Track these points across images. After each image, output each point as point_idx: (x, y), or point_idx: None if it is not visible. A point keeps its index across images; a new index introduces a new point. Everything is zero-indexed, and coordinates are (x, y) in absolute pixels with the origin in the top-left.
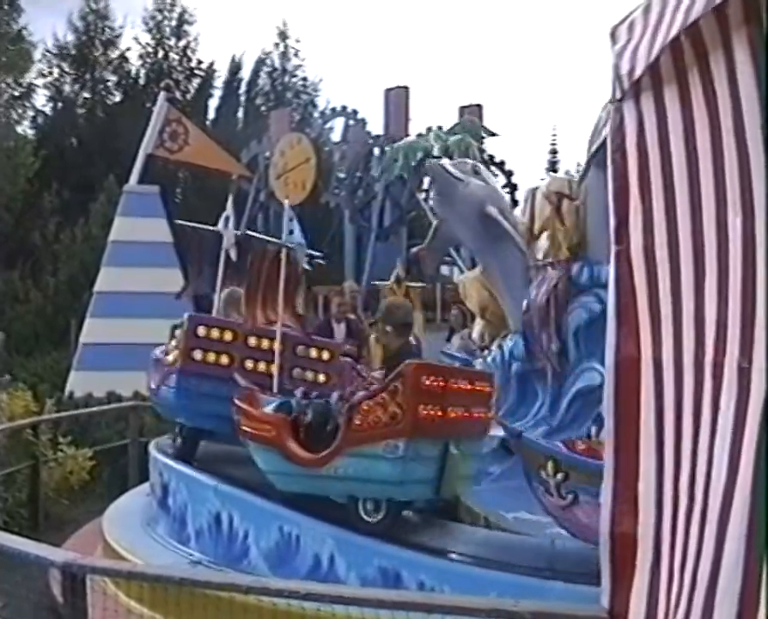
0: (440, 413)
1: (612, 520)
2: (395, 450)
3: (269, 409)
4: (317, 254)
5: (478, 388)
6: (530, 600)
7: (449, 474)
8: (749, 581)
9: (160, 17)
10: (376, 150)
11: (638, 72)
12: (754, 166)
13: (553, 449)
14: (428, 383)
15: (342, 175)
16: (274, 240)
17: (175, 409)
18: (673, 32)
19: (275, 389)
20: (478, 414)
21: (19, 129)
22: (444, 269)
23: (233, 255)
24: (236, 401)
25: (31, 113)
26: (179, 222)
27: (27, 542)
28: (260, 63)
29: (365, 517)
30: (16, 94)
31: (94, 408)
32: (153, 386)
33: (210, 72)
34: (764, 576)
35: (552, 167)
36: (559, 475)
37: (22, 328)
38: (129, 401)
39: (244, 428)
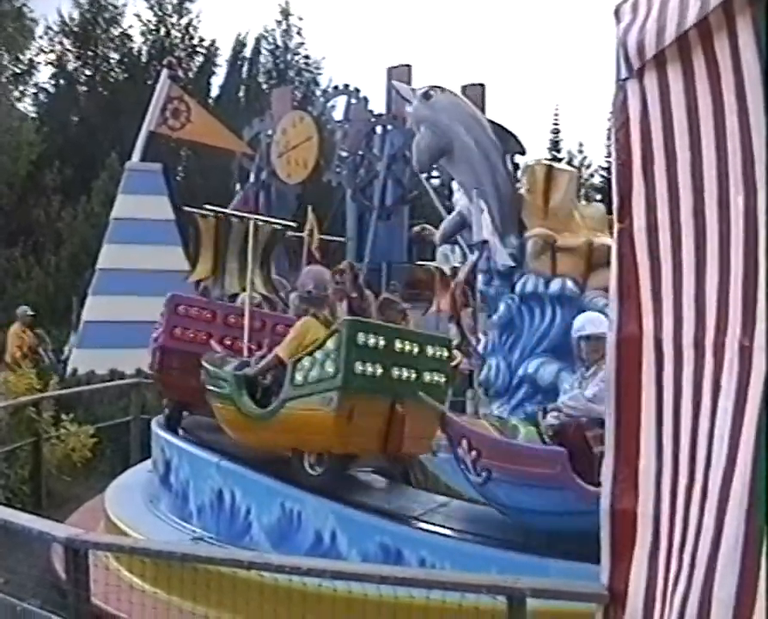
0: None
1: (612, 497)
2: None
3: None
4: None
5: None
6: (531, 577)
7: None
8: (748, 560)
9: None
10: (378, 129)
11: (648, 53)
12: (756, 145)
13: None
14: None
15: (344, 154)
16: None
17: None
18: (691, 15)
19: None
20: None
21: (21, 106)
22: (446, 248)
23: None
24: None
25: (33, 90)
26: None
27: (31, 517)
28: (263, 41)
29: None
30: (18, 71)
31: (97, 385)
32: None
33: (213, 50)
34: (763, 554)
35: (554, 146)
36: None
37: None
38: (131, 378)
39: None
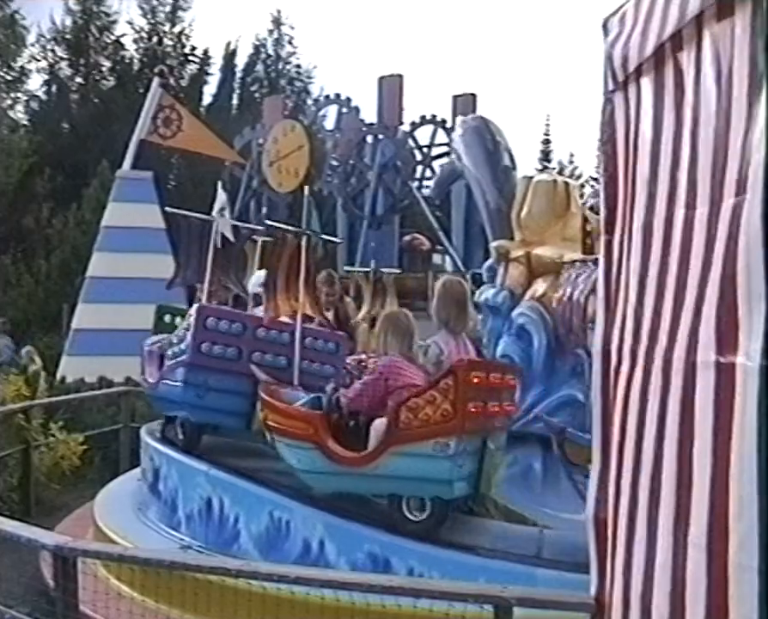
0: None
1: (597, 506)
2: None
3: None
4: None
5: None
6: (517, 586)
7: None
8: (714, 572)
9: (155, 2)
10: (369, 138)
11: (631, 65)
12: (702, 159)
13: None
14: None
15: (335, 163)
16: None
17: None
18: (669, 28)
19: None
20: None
21: (12, 114)
22: (436, 258)
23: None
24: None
25: (24, 98)
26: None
27: (19, 525)
28: (255, 50)
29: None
30: (9, 79)
31: (86, 393)
32: None
33: (205, 58)
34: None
35: (545, 156)
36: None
37: (14, 313)
38: (120, 386)
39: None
